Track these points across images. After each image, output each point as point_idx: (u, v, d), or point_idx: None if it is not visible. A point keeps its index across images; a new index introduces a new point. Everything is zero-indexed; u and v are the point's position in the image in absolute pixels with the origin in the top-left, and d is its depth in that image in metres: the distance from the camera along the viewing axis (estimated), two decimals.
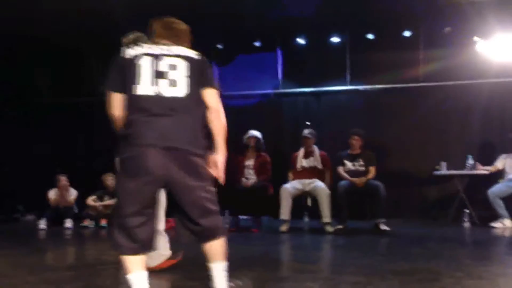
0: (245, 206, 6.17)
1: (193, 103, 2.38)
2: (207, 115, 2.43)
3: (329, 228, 5.69)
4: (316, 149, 6.31)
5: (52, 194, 7.27)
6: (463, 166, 6.64)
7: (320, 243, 5.04)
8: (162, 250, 3.28)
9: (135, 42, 3.09)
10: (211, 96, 2.43)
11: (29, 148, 8.07)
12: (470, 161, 6.56)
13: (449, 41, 7.26)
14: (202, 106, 2.42)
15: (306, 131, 6.36)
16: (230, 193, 6.18)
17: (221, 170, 2.49)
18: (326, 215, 5.75)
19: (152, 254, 3.01)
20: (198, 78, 2.39)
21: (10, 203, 8.10)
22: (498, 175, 6.47)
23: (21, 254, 4.22)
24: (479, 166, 6.55)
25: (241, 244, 4.96)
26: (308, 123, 7.40)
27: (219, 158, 2.47)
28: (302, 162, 6.27)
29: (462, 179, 6.68)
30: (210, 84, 2.44)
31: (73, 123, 8.22)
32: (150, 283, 2.29)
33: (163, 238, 3.30)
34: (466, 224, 6.24)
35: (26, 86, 8.37)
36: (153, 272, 3.15)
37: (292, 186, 6.03)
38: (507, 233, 5.58)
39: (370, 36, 7.50)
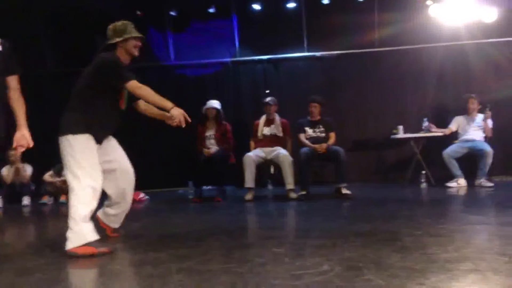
0: (208, 176, 6.15)
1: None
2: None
3: (293, 195, 5.74)
4: (277, 116, 6.30)
5: (5, 170, 6.99)
6: (419, 129, 6.80)
7: (284, 210, 5.09)
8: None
9: (123, 31, 3.23)
10: (14, 80, 2.87)
11: None
12: (426, 124, 6.72)
13: (403, 4, 7.33)
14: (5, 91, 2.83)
15: (268, 98, 6.32)
16: (192, 164, 6.17)
17: (30, 140, 2.89)
18: (290, 182, 5.79)
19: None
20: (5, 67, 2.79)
21: None
22: (453, 136, 6.68)
23: None
24: (434, 128, 6.73)
25: (205, 214, 4.96)
26: (267, 91, 7.38)
27: (26, 132, 2.88)
28: (264, 130, 6.25)
29: (418, 141, 6.86)
30: (13, 71, 2.87)
31: (28, 94, 7.85)
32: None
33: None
34: (423, 185, 6.44)
35: None
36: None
37: (255, 154, 6.02)
38: (461, 192, 5.80)
39: (326, 1, 7.47)
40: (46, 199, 6.80)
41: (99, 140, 3.13)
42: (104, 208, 3.42)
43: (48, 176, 6.87)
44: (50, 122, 7.63)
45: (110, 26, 3.25)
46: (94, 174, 2.98)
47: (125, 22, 3.27)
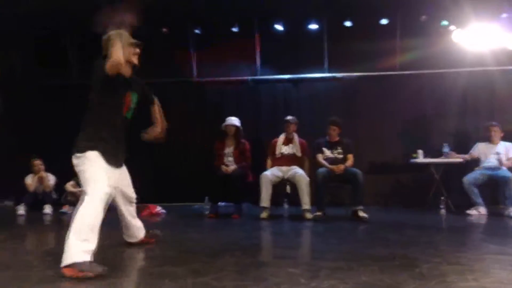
0: (225, 193, 6.17)
1: None
2: None
3: (308, 215, 5.71)
4: (296, 136, 6.31)
5: (29, 179, 7.13)
6: (439, 154, 6.73)
7: (299, 230, 5.05)
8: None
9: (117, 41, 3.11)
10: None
11: (4, 133, 7.86)
12: (446, 149, 6.65)
13: (426, 30, 7.34)
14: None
15: (289, 117, 6.35)
16: (210, 180, 6.19)
17: None
18: (306, 202, 5.77)
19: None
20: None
21: None
22: (474, 163, 6.59)
23: (0, 240, 4.13)
24: (454, 154, 6.65)
25: (221, 230, 4.95)
26: None
27: None
28: (282, 148, 6.27)
29: (438, 167, 6.78)
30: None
31: (53, 106, 8.02)
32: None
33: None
34: (442, 211, 6.34)
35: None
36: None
37: (272, 173, 6.02)
38: (482, 220, 5.70)
39: (348, 24, 7.51)
40: (66, 208, 6.88)
41: (110, 158, 3.14)
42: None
43: (69, 186, 7.01)
44: (74, 132, 7.81)
45: (104, 37, 3.13)
46: (105, 188, 2.93)
47: (119, 31, 3.12)
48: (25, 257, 3.35)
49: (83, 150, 3.03)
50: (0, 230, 4.83)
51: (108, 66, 2.93)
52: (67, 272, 2.66)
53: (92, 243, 2.77)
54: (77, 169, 3.04)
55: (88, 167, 2.97)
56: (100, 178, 2.94)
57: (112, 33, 3.11)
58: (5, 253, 3.54)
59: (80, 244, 2.72)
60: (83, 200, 2.86)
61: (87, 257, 2.72)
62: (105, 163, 3.06)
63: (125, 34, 3.18)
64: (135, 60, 3.25)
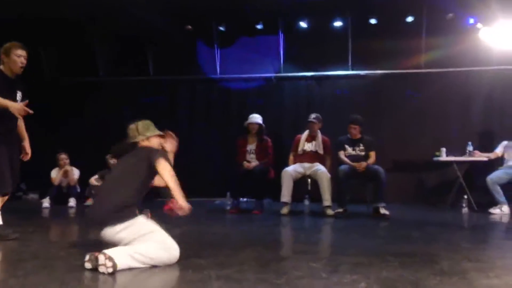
0: (246, 189, 6.24)
1: None
2: None
3: (330, 212, 5.74)
4: (319, 133, 6.33)
5: (54, 173, 7.32)
6: (463, 153, 6.68)
7: (320, 226, 5.10)
8: None
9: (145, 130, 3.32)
10: None
11: (31, 126, 8.08)
12: (470, 148, 6.59)
13: (452, 28, 7.26)
14: None
15: (312, 116, 6.33)
16: (232, 176, 6.27)
17: None
18: (327, 199, 5.79)
19: None
20: None
21: None
22: (498, 162, 6.52)
23: (27, 231, 4.28)
24: (478, 153, 6.59)
25: (242, 225, 5.03)
26: None
27: None
28: (305, 145, 6.30)
29: (462, 165, 6.73)
30: None
31: (78, 103, 8.22)
32: None
33: None
34: (465, 210, 6.30)
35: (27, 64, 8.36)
36: None
37: (293, 169, 6.07)
38: (505, 219, 5.64)
39: (373, 21, 7.46)
40: (90, 202, 7.05)
41: None
42: None
43: (93, 180, 7.16)
44: (99, 129, 7.99)
45: (132, 126, 3.34)
46: None
47: (146, 121, 3.37)
48: (52, 248, 3.47)
49: None
50: (27, 222, 4.97)
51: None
52: None
53: None
54: None
55: None
56: None
57: (140, 124, 3.34)
58: (34, 244, 3.65)
59: None
60: None
61: None
62: None
63: (151, 125, 3.39)
64: (167, 147, 3.46)
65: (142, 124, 3.33)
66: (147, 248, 2.76)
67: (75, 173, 7.36)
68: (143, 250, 2.74)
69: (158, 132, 3.39)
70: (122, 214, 2.88)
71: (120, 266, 2.60)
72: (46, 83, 8.23)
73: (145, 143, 3.28)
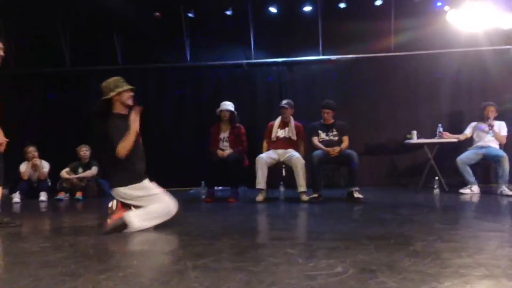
0: (221, 177, 6.20)
1: None
2: None
3: (304, 197, 5.77)
4: (292, 120, 6.32)
5: (23, 167, 7.10)
6: (433, 135, 6.79)
7: (296, 212, 5.11)
8: None
9: (116, 86, 3.78)
10: None
11: None
12: (440, 129, 6.70)
13: (420, 10, 7.33)
14: None
15: (284, 102, 6.31)
16: (205, 165, 6.22)
17: None
18: (301, 184, 5.81)
19: None
20: None
21: None
22: (467, 143, 6.66)
23: None
24: (447, 134, 6.70)
25: (218, 214, 5.00)
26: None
27: None
28: (278, 132, 6.29)
29: (432, 147, 6.84)
30: None
31: (45, 94, 7.99)
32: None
33: None
34: (436, 191, 6.40)
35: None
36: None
37: (267, 155, 6.06)
38: (475, 199, 5.78)
39: (342, 5, 7.48)
40: (62, 195, 6.91)
41: None
42: None
43: (64, 173, 7.02)
44: (68, 121, 7.81)
45: (104, 84, 3.82)
46: None
47: (115, 78, 3.85)
48: (23, 244, 3.38)
49: None
50: None
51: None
52: None
53: None
54: None
55: None
56: None
57: (110, 81, 3.86)
58: (5, 240, 3.56)
59: None
60: None
61: None
62: None
63: (121, 81, 3.87)
64: (130, 102, 3.87)
65: (113, 81, 3.82)
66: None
67: (45, 166, 7.16)
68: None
69: (128, 87, 3.84)
70: None
71: None
72: (10, 74, 7.97)
73: (117, 98, 3.78)
